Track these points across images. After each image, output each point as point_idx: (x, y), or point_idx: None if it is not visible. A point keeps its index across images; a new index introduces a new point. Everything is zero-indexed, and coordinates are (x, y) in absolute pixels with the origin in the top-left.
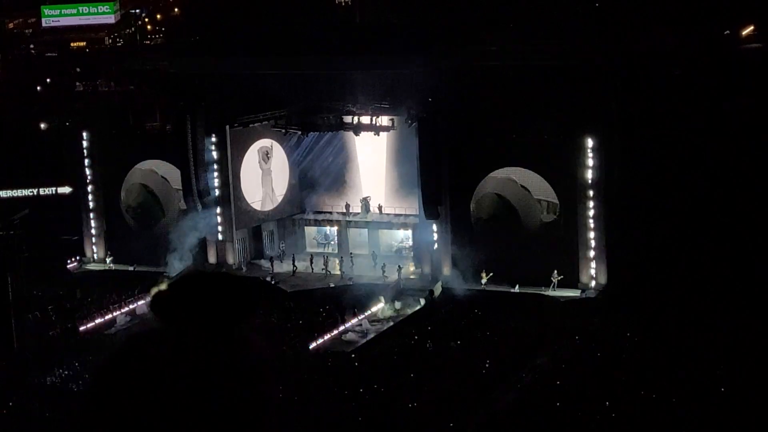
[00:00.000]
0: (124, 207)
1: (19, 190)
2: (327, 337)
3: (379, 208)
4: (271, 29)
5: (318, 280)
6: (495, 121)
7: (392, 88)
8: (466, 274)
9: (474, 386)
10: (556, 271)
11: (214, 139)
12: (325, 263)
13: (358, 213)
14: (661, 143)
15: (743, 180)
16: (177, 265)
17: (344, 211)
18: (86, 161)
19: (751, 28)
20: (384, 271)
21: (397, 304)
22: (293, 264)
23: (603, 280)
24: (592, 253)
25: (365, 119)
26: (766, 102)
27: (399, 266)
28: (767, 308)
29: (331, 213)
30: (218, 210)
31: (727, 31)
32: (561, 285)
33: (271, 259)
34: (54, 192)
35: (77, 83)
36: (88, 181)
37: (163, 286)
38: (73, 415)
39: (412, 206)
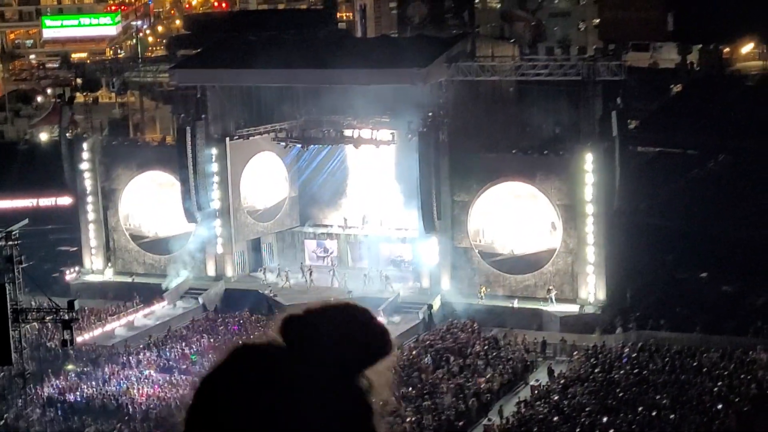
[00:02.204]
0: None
1: (18, 201)
2: None
3: (380, 222)
4: (271, 43)
5: (317, 293)
6: (495, 136)
7: (392, 102)
8: (465, 289)
9: (472, 402)
10: (552, 286)
11: (214, 152)
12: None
13: (357, 227)
14: (660, 160)
15: (743, 197)
16: (176, 277)
17: (342, 224)
18: (86, 172)
19: (751, 46)
20: (387, 285)
21: (396, 318)
22: (287, 278)
23: (602, 296)
24: (591, 269)
25: (365, 133)
26: (762, 120)
27: (387, 277)
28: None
29: (330, 226)
30: (218, 222)
31: (727, 49)
32: (560, 300)
33: (263, 271)
34: (54, 203)
35: (78, 94)
36: (87, 192)
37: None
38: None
39: (411, 220)
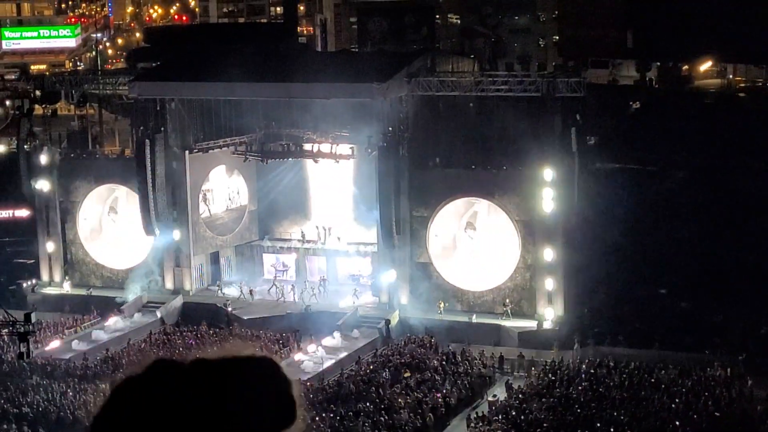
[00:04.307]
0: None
1: None
2: (282, 364)
3: (337, 238)
4: (232, 56)
5: (274, 308)
6: (454, 151)
7: (352, 117)
8: (424, 304)
9: (429, 418)
10: (507, 300)
11: (173, 165)
12: (281, 290)
13: (315, 241)
14: (619, 176)
15: (701, 214)
16: (134, 290)
17: (301, 238)
18: (44, 185)
19: (709, 64)
20: (342, 299)
21: (354, 333)
22: (242, 291)
23: (560, 311)
24: (549, 285)
25: (325, 147)
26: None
27: (356, 294)
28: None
29: (289, 240)
30: (176, 235)
31: (686, 67)
32: (518, 316)
33: (218, 285)
34: (11, 215)
35: (37, 106)
36: (45, 204)
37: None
38: None
39: (370, 235)
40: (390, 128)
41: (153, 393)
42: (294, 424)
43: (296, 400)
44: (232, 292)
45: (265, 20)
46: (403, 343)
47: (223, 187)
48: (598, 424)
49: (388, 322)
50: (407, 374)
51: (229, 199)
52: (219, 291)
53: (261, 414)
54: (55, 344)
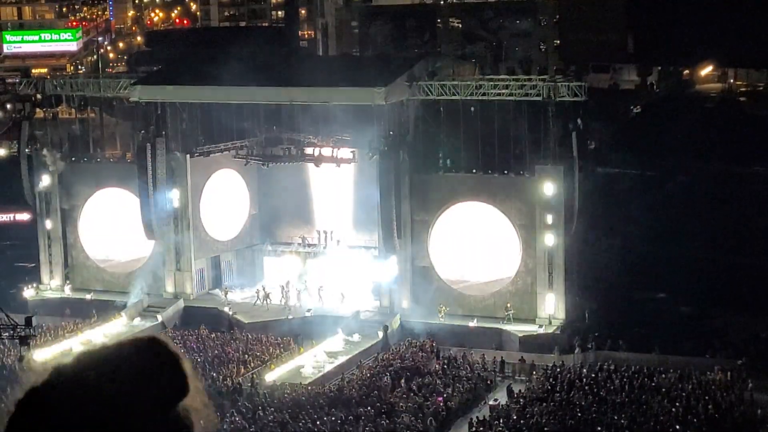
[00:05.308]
0: None
1: None
2: (284, 368)
3: (337, 241)
4: (233, 60)
5: (276, 312)
6: (455, 156)
7: (354, 121)
8: (425, 308)
9: (430, 422)
10: (509, 304)
11: (174, 169)
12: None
13: (316, 245)
14: (619, 180)
15: (701, 219)
16: (135, 294)
17: (301, 242)
18: (45, 188)
19: (710, 68)
20: (342, 304)
21: (356, 337)
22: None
23: (561, 316)
24: (550, 289)
25: (326, 151)
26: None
27: (343, 296)
28: (718, 345)
29: (290, 244)
30: (177, 239)
31: (687, 71)
32: (519, 320)
33: (225, 291)
34: (12, 218)
35: (38, 110)
36: (46, 208)
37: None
38: None
39: (372, 239)
40: (391, 132)
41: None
42: (189, 396)
43: (187, 372)
44: (235, 296)
45: (266, 24)
46: (404, 347)
47: (224, 191)
48: (599, 428)
49: (386, 328)
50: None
51: (230, 202)
52: (225, 296)
53: (150, 390)
54: (55, 348)
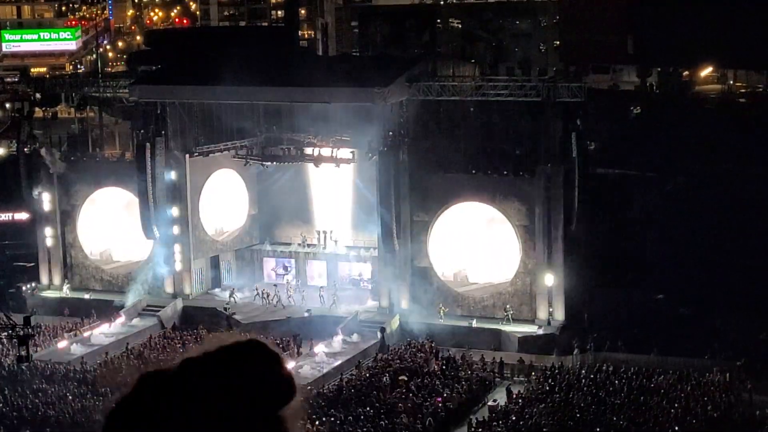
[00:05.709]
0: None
1: None
2: None
3: (335, 242)
4: (232, 60)
5: (274, 312)
6: (455, 156)
7: (353, 121)
8: (424, 308)
9: (429, 422)
10: (508, 304)
11: (173, 168)
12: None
13: (316, 245)
14: (619, 181)
15: (700, 219)
16: (133, 293)
17: (300, 242)
18: (44, 188)
19: (710, 69)
20: (337, 303)
21: (354, 337)
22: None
23: (560, 316)
24: (549, 290)
25: (326, 151)
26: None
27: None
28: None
29: (289, 244)
30: (176, 239)
31: (686, 72)
32: (518, 321)
33: (231, 291)
34: (11, 218)
35: (37, 109)
36: (45, 207)
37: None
38: None
39: (371, 239)
40: (391, 132)
41: (145, 410)
42: (296, 395)
43: (291, 374)
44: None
45: (266, 24)
46: (403, 347)
47: (223, 191)
48: (598, 429)
49: (383, 329)
50: (402, 377)
51: (230, 202)
52: (231, 297)
53: (260, 396)
54: (54, 347)
